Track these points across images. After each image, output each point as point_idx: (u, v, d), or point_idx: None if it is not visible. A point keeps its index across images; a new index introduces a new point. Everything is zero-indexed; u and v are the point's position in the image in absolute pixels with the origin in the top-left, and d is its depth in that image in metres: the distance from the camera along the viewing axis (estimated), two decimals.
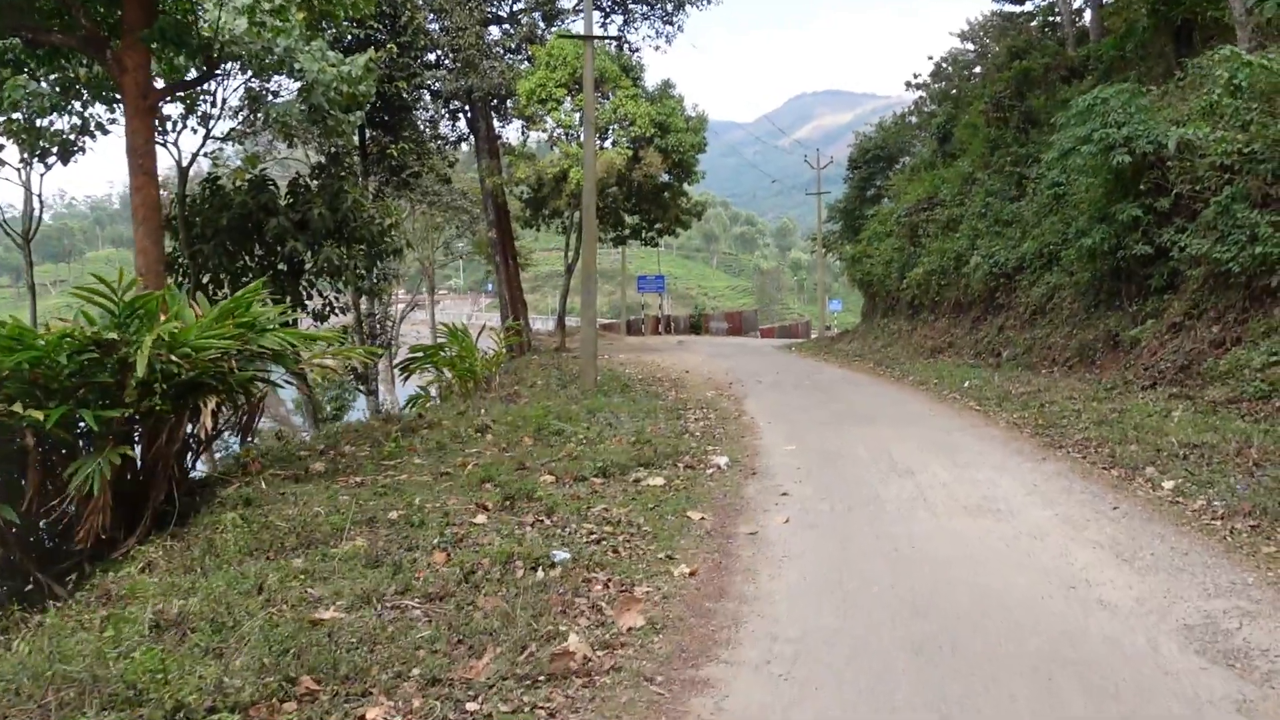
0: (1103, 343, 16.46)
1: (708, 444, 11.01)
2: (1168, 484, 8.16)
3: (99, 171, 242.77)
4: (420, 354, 19.15)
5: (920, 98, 39.44)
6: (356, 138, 21.87)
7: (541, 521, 7.28)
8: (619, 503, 7.98)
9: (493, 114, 30.91)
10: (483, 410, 14.11)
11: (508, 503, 7.77)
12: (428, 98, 29.46)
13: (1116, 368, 15.47)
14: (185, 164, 18.07)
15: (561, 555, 6.44)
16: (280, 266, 17.94)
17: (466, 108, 30.44)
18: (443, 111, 30.34)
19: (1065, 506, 7.93)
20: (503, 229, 31.08)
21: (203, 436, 8.19)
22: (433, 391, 20.87)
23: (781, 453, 10.75)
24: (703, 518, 7.65)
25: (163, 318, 7.91)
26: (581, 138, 29.69)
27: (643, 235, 33.58)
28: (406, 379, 21.32)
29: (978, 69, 39.10)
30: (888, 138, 39.31)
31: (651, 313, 52.92)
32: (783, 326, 64.89)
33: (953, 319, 24.01)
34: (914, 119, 39.27)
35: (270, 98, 17.85)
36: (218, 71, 15.70)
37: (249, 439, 9.53)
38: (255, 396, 8.73)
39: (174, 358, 7.48)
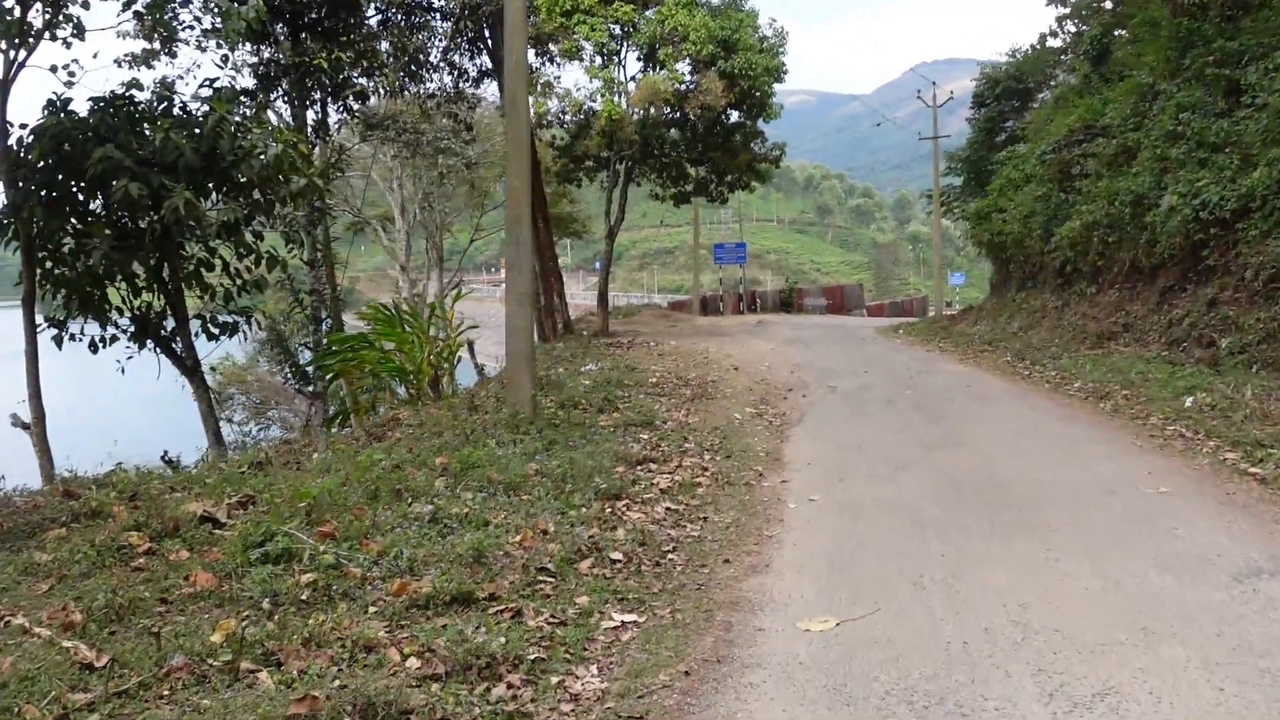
0: None
1: (608, 602, 4.49)
2: None
3: None
4: (334, 350, 13.25)
5: (1063, 15, 31.27)
6: (286, 46, 15.94)
7: None
8: None
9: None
10: (315, 452, 8.07)
11: None
12: (438, 20, 23.78)
13: None
14: (5, 76, 12.64)
15: None
16: (126, 219, 12.36)
17: (486, 33, 24.49)
18: (458, 40, 24.56)
19: None
20: (531, 182, 24.97)
21: None
22: (401, 391, 15.06)
23: (781, 675, 4.04)
24: None
25: None
26: (628, 58, 23.49)
27: (709, 190, 26.99)
28: (330, 383, 15.35)
29: None
30: (1022, 66, 31.51)
31: (733, 288, 46.03)
32: (894, 303, 56.96)
33: (1128, 290, 16.76)
34: (1057, 41, 31.24)
35: None
36: None
37: None
38: None
39: None
